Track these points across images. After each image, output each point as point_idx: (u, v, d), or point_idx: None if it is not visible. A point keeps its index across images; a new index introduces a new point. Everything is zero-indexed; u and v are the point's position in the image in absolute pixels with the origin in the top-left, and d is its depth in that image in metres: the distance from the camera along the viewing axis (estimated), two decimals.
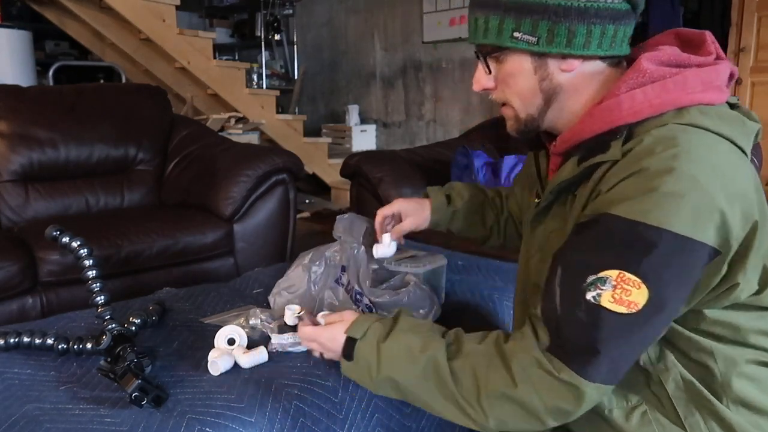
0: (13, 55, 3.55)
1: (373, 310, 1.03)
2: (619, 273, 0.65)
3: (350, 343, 0.82)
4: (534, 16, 0.73)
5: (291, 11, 5.29)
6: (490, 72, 0.81)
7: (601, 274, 0.66)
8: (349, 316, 0.87)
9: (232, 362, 0.95)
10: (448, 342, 0.78)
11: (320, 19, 5.18)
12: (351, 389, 0.93)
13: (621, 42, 0.76)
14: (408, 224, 1.10)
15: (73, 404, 0.86)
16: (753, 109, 2.98)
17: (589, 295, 0.66)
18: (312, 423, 0.87)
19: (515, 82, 0.79)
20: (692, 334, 0.72)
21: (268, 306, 1.19)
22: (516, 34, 0.75)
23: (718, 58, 0.76)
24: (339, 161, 3.15)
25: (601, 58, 0.77)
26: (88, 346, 0.98)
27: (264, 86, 4.97)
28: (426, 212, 1.10)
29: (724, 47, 3.06)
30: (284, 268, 1.24)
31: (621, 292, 0.65)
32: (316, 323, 0.91)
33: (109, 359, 0.92)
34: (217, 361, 0.93)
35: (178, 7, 4.08)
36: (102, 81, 5.14)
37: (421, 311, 1.05)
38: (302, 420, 0.86)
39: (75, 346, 0.99)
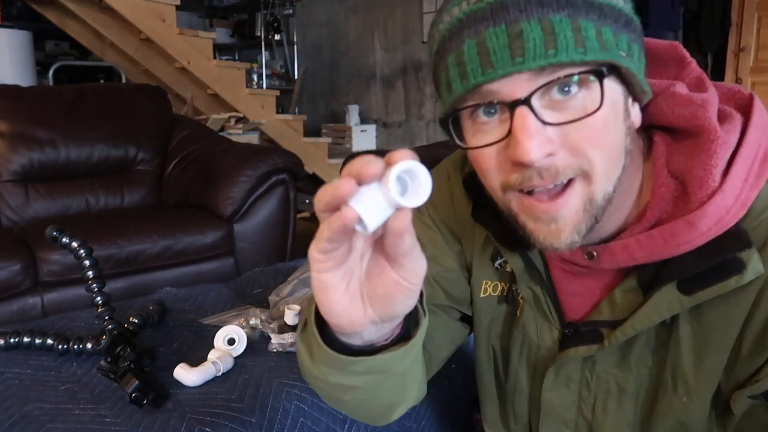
0: (13, 55, 3.54)
1: None
2: None
3: None
4: (629, 32, 0.50)
5: (291, 11, 5.29)
6: (545, 123, 0.48)
7: None
8: None
9: (232, 362, 0.95)
10: None
11: (320, 19, 5.18)
12: None
13: None
14: None
15: (73, 404, 0.86)
16: None
17: None
18: (312, 423, 0.87)
19: (605, 131, 0.50)
20: None
21: (268, 306, 1.19)
22: (621, 53, 0.49)
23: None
24: (339, 161, 3.15)
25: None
26: (88, 346, 0.99)
27: (264, 86, 4.97)
28: None
29: (724, 47, 3.06)
30: (284, 268, 1.24)
31: None
32: None
33: (109, 359, 0.92)
34: (218, 361, 0.93)
35: (178, 7, 4.08)
36: (102, 81, 5.14)
37: None
38: (302, 420, 0.86)
39: (75, 346, 0.99)
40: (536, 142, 0.47)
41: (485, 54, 0.47)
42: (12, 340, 1.01)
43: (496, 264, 0.68)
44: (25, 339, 1.00)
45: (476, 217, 0.66)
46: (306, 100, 5.43)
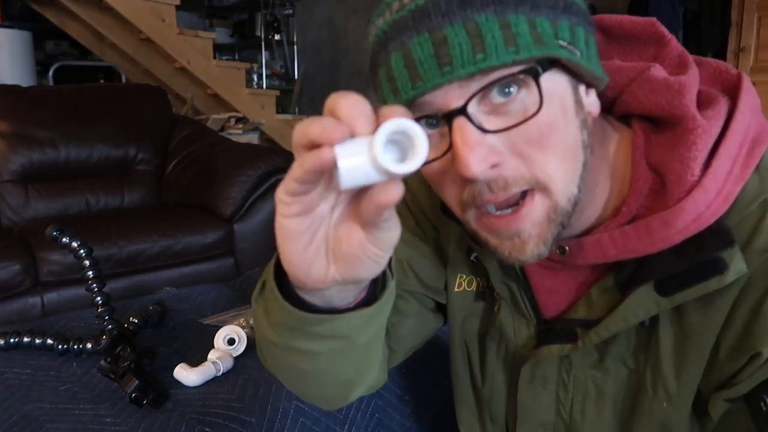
0: (13, 55, 3.55)
1: None
2: None
3: None
4: (571, 16, 0.46)
5: (291, 11, 5.29)
6: (485, 131, 0.44)
7: None
8: None
9: (232, 362, 0.95)
10: None
11: (320, 19, 5.18)
12: None
13: None
14: None
15: (73, 404, 0.86)
16: None
17: None
18: (312, 423, 0.87)
19: (554, 132, 0.46)
20: None
21: None
22: (561, 42, 0.45)
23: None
24: None
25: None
26: (88, 346, 0.99)
27: (264, 86, 4.98)
28: None
29: (724, 47, 3.06)
30: None
31: None
32: None
33: (109, 359, 0.92)
34: (218, 361, 0.93)
35: (178, 7, 4.08)
36: (102, 81, 5.14)
37: None
38: (302, 420, 0.86)
39: (75, 346, 0.99)
40: (477, 153, 0.43)
41: (412, 66, 0.44)
42: (12, 340, 1.01)
43: (472, 257, 0.64)
44: (25, 339, 1.01)
45: (446, 212, 0.60)
46: (306, 100, 5.43)
